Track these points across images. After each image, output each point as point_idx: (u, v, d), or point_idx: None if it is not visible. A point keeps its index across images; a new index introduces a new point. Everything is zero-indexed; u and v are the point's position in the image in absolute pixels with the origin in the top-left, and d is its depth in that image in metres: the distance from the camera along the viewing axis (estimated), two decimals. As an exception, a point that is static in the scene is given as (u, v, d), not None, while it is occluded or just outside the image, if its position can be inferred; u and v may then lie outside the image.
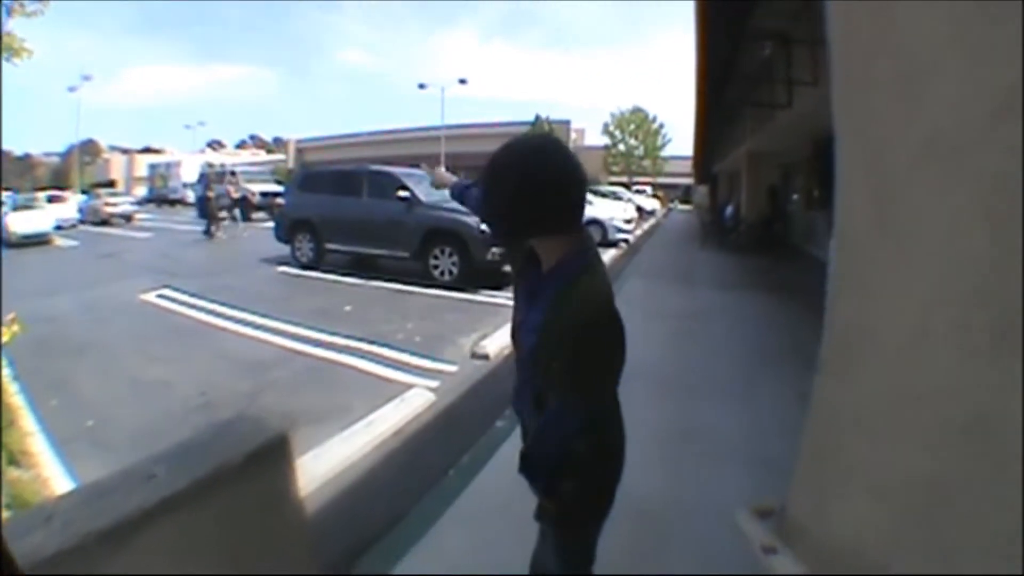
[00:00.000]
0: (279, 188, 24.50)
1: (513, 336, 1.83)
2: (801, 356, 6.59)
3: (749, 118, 16.19)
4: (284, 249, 13.60)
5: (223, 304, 9.19)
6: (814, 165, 12.07)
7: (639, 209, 28.16)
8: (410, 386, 5.69)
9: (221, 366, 6.47)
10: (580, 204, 1.63)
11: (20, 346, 5.31)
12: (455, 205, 11.75)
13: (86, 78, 55.89)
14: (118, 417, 5.10)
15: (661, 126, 62.25)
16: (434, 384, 5.78)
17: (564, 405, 1.63)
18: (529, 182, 1.53)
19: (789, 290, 10.39)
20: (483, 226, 1.82)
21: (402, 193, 11.45)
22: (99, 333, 7.92)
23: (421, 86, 46.12)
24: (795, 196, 19.80)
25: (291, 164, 58.47)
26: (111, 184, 51.96)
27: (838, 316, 1.77)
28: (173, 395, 5.59)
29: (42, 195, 29.25)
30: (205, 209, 20.75)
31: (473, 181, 2.33)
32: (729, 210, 20.21)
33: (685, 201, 55.75)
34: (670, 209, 48.72)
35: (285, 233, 13.61)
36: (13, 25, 7.53)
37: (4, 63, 7.25)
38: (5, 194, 24.93)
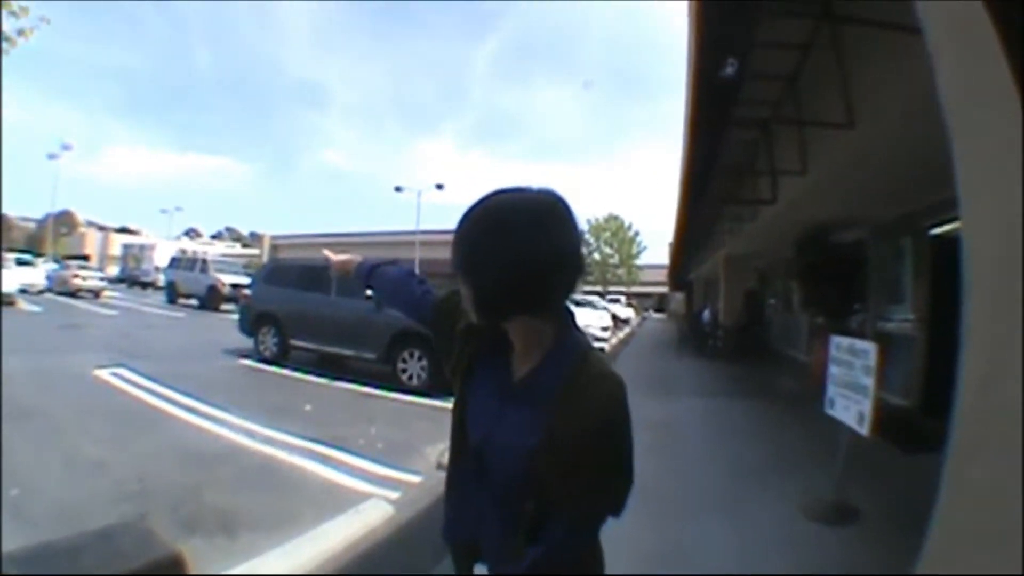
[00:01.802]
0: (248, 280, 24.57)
1: (477, 450, 1.37)
2: (789, 465, 6.49)
3: (728, 220, 16.30)
4: (249, 341, 13.16)
5: (178, 391, 8.74)
6: (796, 264, 12.03)
7: (614, 317, 28.45)
8: (367, 496, 5.23)
9: (166, 454, 6.08)
10: (579, 276, 1.32)
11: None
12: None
13: (66, 147, 55.76)
14: (45, 491, 4.76)
15: (636, 234, 63.59)
16: (394, 495, 5.30)
17: (575, 530, 1.27)
18: (535, 249, 1.23)
19: (771, 395, 10.23)
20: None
21: (370, 292, 11.08)
22: (44, 401, 7.58)
23: (398, 189, 46.92)
24: (772, 300, 19.95)
25: (265, 259, 58.52)
26: (85, 258, 51.85)
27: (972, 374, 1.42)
28: (108, 477, 5.22)
29: (11, 256, 28.78)
30: (173, 295, 20.47)
31: (382, 260, 2.06)
32: (706, 315, 20.33)
33: (659, 310, 56.59)
34: (644, 318, 49.33)
35: (249, 325, 13.19)
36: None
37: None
38: None
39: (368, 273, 2.02)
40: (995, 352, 1.37)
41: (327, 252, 2.24)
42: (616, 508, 1.30)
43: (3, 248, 34.06)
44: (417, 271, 2.02)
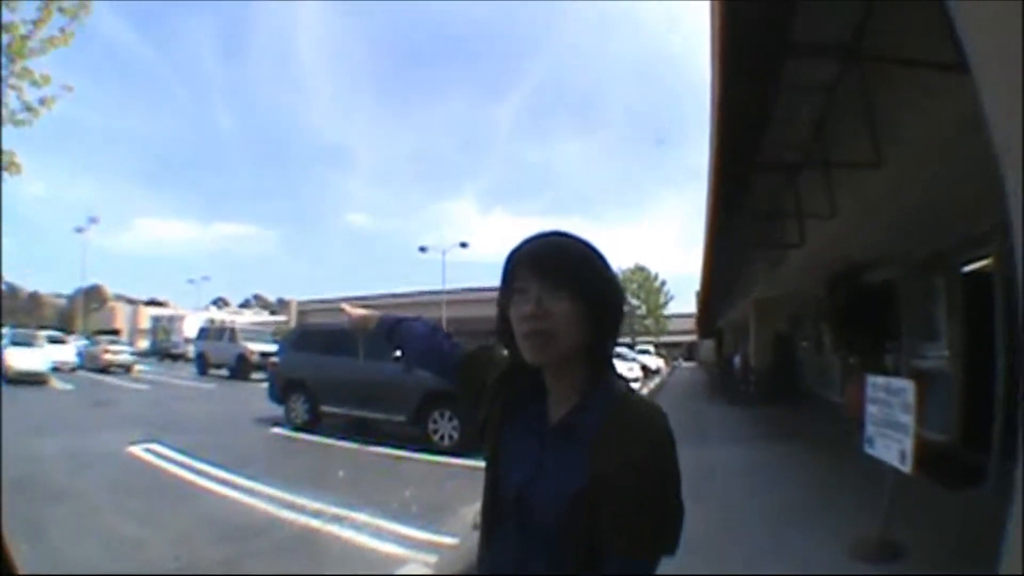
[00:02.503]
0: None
1: (518, 497, 1.29)
2: (831, 506, 6.32)
3: (757, 263, 16.20)
4: (279, 410, 13.11)
5: (211, 464, 8.72)
6: (827, 305, 11.92)
7: (644, 368, 28.27)
8: (405, 560, 5.15)
9: (201, 529, 6.07)
10: None
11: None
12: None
13: (93, 220, 56.95)
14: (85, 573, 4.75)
15: (663, 283, 63.49)
16: (432, 559, 5.19)
17: (632, 566, 1.18)
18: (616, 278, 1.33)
19: (807, 438, 10.06)
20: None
21: (398, 353, 11.09)
22: (80, 481, 7.62)
23: (422, 249, 46.99)
24: (803, 343, 19.72)
25: (293, 325, 58.96)
26: (115, 332, 52.29)
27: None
28: (145, 556, 5.23)
29: (43, 334, 28.86)
30: (203, 366, 20.56)
31: (404, 316, 1.98)
32: (737, 361, 20.12)
33: (688, 358, 56.18)
34: (674, 367, 48.90)
35: (279, 393, 13.14)
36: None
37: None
38: (4, 328, 24.83)
39: (391, 329, 1.95)
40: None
41: (345, 306, 2.14)
42: (671, 545, 1.20)
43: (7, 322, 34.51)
44: (445, 328, 1.97)
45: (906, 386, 4.92)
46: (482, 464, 1.40)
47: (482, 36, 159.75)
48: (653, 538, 1.17)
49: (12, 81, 7.19)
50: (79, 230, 55.62)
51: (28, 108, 7.41)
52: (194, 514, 6.58)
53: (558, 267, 1.24)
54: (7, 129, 7.30)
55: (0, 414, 6.48)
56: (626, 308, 1.34)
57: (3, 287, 57.18)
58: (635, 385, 19.50)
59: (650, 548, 1.18)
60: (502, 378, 1.42)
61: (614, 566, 1.17)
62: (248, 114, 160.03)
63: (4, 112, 7.21)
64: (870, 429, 5.29)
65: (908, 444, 4.71)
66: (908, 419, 4.76)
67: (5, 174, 7.51)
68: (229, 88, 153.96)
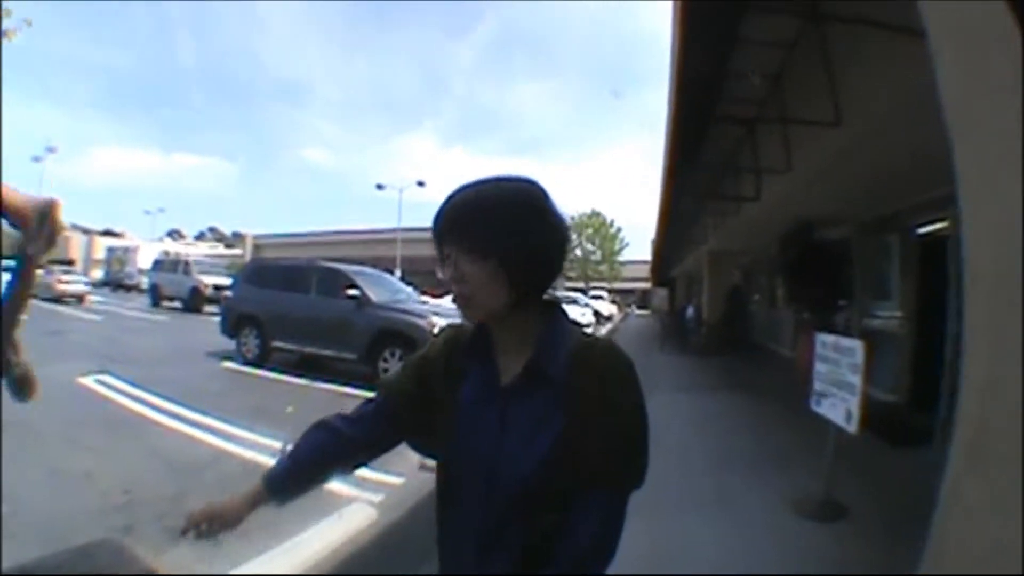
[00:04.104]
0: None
1: (486, 466, 1.24)
2: (777, 458, 6.47)
3: (711, 216, 16.30)
4: (231, 343, 13.04)
5: (161, 396, 8.64)
6: (781, 260, 12.05)
7: (596, 314, 28.48)
8: (351, 499, 5.14)
9: (150, 463, 6.02)
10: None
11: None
12: (407, 305, 11.14)
13: (50, 150, 55.16)
14: (32, 507, 4.61)
15: (619, 230, 63.54)
16: (378, 498, 5.21)
17: (614, 506, 1.21)
18: (558, 225, 1.28)
19: (755, 390, 10.25)
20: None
21: (351, 292, 11.14)
22: (27, 412, 7.29)
23: (379, 187, 46.31)
24: (755, 296, 20.01)
25: (248, 259, 58.17)
26: (70, 263, 51.02)
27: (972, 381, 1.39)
28: (95, 490, 5.14)
29: None
30: (156, 297, 20.24)
31: (280, 459, 1.56)
32: (690, 311, 20.38)
33: (642, 306, 56.62)
34: (627, 314, 49.24)
35: (231, 327, 13.06)
36: None
37: None
38: None
39: (280, 487, 1.54)
40: (995, 349, 1.34)
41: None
42: (643, 477, 1.24)
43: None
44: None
45: (855, 346, 4.92)
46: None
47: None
48: (630, 470, 1.20)
49: None
50: (36, 159, 53.92)
51: None
52: (143, 447, 6.53)
53: (467, 225, 1.22)
54: None
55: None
56: (568, 249, 1.30)
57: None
58: (587, 331, 19.98)
59: (628, 480, 1.21)
60: (449, 339, 1.40)
61: (596, 501, 1.18)
62: (208, 47, 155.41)
63: None
64: (818, 386, 5.33)
65: (854, 404, 4.74)
66: (856, 379, 4.77)
67: None
68: (190, 21, 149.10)
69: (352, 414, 1.52)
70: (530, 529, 1.21)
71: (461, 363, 1.35)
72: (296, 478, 1.52)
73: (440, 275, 1.27)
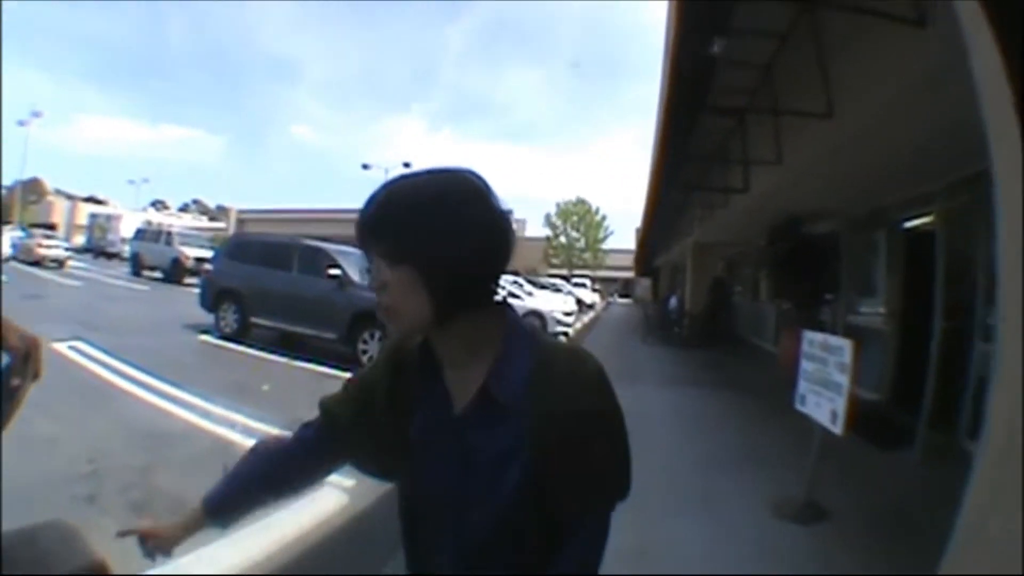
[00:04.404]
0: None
1: (452, 501, 1.14)
2: (759, 459, 6.42)
3: (699, 207, 16.25)
4: (210, 317, 12.91)
5: (134, 366, 8.55)
6: (768, 253, 12.01)
7: (579, 302, 28.60)
8: (322, 483, 5.02)
9: (119, 433, 5.95)
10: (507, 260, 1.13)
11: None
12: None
13: (36, 114, 55.11)
14: None
15: (604, 218, 63.87)
16: (349, 483, 5.05)
17: (597, 528, 1.12)
18: (496, 220, 1.10)
19: (738, 386, 10.24)
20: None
21: (333, 271, 11.07)
22: None
23: (365, 166, 47.26)
24: (739, 288, 20.07)
25: (231, 233, 57.96)
26: (52, 227, 50.83)
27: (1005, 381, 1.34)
28: (59, 457, 5.07)
29: None
30: (137, 267, 20.19)
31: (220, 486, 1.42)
32: (673, 302, 20.38)
33: (624, 295, 56.90)
34: (609, 303, 49.57)
35: (210, 301, 12.94)
36: None
37: None
38: None
39: (219, 510, 1.39)
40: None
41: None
42: (627, 489, 1.13)
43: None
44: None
45: (843, 345, 4.76)
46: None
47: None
48: (614, 491, 1.11)
49: None
50: (21, 123, 53.49)
51: None
52: (112, 417, 6.45)
53: (382, 226, 1.08)
54: None
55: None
56: (508, 249, 1.12)
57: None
58: (569, 319, 19.80)
59: (610, 497, 1.11)
60: (392, 357, 1.25)
61: (579, 524, 1.09)
62: (199, 20, 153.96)
63: None
64: (803, 386, 5.18)
65: (841, 405, 4.59)
66: (843, 379, 4.61)
67: None
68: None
69: (293, 437, 1.41)
70: (507, 564, 1.12)
71: (406, 388, 1.21)
72: (236, 501, 1.40)
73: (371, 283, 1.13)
